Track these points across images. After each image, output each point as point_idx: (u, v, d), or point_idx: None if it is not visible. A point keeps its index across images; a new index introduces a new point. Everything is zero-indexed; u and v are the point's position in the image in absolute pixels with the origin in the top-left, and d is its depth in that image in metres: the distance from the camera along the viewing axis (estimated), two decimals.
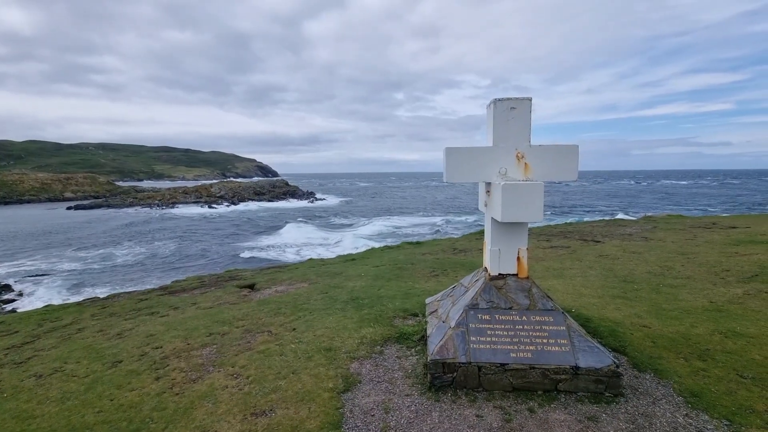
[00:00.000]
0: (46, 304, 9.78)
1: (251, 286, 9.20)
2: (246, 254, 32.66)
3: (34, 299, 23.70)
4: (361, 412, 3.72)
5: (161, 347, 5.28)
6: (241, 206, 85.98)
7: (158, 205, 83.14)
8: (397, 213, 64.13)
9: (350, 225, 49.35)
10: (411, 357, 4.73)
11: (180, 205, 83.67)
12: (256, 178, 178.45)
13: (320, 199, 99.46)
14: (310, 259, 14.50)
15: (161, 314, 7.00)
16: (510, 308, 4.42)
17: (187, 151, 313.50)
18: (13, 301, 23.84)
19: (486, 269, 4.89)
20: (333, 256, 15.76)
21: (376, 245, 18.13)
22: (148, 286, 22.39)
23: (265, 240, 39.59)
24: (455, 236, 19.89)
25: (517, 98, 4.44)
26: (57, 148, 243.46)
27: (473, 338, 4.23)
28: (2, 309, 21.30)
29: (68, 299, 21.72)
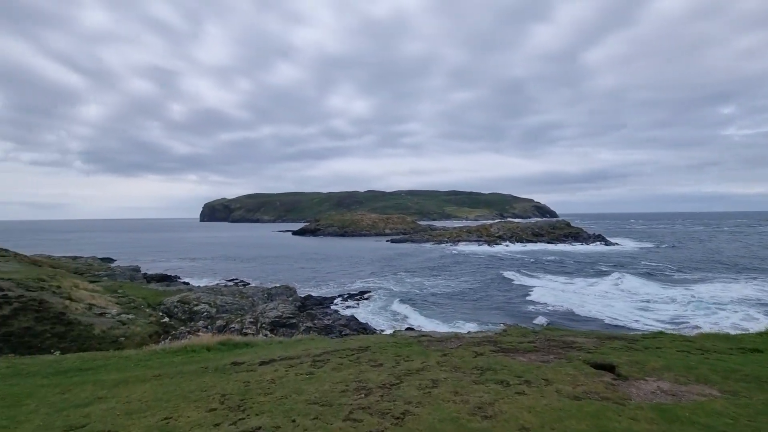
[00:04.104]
0: (394, 330, 10.84)
1: (610, 368, 6.77)
2: (540, 300, 30.12)
3: (372, 308, 30.00)
4: None
5: None
6: (519, 246, 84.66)
7: (447, 242, 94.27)
8: (752, 269, 44.30)
9: (676, 282, 37.39)
10: None
11: (463, 243, 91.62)
12: (533, 219, 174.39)
13: (613, 243, 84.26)
14: (661, 332, 10.43)
15: (514, 387, 5.71)
16: None
17: (470, 193, 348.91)
18: (354, 307, 31.22)
19: None
20: (666, 325, 10.97)
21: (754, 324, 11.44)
22: (456, 322, 23.46)
23: (558, 286, 35.72)
24: None
25: None
26: (382, 195, 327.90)
27: None
28: (345, 313, 28.19)
29: (396, 320, 25.87)
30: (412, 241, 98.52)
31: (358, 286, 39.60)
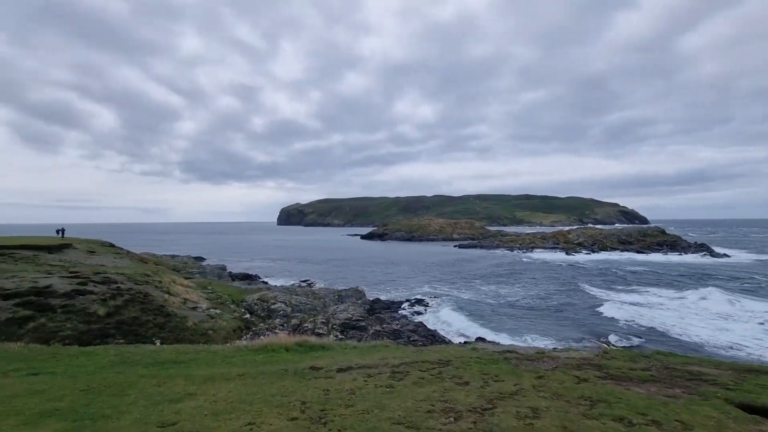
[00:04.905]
0: (467, 340, 10.04)
1: (765, 412, 5.35)
2: (630, 318, 26.74)
3: (439, 314, 29.12)
4: None
5: None
6: (603, 255, 76.97)
7: (519, 248, 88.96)
8: None
9: None
10: None
11: (538, 250, 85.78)
12: (618, 225, 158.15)
13: (721, 255, 72.75)
14: None
15: (640, 429, 4.67)
16: None
17: (545, 197, 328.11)
18: (422, 313, 30.51)
19: None
20: None
21: None
22: (528, 335, 21.75)
23: (652, 301, 31.50)
24: None
25: None
26: (450, 200, 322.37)
27: None
28: (413, 318, 27.69)
29: (464, 329, 24.72)
30: (481, 247, 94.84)
31: (425, 291, 38.86)
